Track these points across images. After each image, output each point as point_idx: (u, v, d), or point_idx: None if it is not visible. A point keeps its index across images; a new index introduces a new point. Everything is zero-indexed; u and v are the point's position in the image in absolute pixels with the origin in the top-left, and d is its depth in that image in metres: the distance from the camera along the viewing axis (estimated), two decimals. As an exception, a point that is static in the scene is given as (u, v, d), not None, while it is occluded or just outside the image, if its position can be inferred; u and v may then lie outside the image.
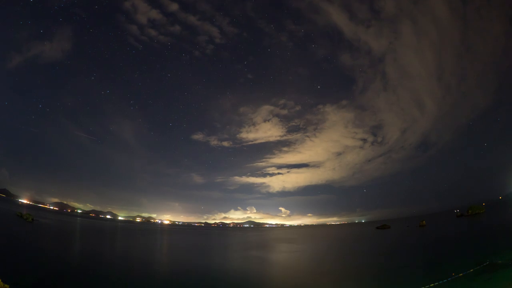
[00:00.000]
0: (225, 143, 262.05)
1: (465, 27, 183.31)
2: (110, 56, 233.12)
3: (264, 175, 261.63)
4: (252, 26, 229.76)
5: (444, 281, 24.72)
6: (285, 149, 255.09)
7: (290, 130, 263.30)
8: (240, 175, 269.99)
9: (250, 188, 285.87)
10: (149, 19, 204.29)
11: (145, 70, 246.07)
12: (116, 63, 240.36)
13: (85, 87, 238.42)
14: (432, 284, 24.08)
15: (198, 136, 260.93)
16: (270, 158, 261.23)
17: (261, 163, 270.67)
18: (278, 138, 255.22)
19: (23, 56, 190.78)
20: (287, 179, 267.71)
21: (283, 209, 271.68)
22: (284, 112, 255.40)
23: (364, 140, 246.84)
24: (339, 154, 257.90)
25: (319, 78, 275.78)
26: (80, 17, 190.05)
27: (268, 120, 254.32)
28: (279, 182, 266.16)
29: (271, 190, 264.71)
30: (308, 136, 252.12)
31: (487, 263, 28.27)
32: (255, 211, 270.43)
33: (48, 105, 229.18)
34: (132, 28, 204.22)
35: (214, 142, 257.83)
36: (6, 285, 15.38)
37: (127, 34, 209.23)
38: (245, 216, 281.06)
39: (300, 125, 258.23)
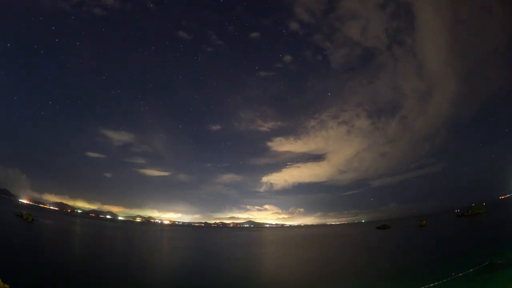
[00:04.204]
0: (226, 140, 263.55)
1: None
2: (120, 56, 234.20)
3: (264, 173, 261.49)
4: None
5: (444, 281, 24.72)
6: (286, 139, 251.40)
7: (290, 114, 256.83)
8: (238, 174, 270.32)
9: (249, 187, 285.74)
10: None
11: (156, 72, 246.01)
12: (126, 63, 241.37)
13: (95, 86, 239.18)
14: (432, 284, 24.07)
15: (199, 136, 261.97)
16: (270, 154, 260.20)
17: (260, 161, 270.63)
18: (276, 126, 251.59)
19: (31, 52, 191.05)
20: (286, 178, 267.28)
21: (284, 209, 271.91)
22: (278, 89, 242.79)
23: (373, 123, 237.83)
24: (341, 146, 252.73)
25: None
26: (92, 15, 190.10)
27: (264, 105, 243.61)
28: (278, 180, 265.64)
29: (270, 189, 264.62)
30: (311, 120, 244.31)
31: (487, 263, 28.26)
32: (254, 210, 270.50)
33: (58, 102, 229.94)
34: (145, 28, 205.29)
35: (215, 140, 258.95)
36: (6, 285, 15.38)
37: (140, 34, 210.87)
38: (245, 216, 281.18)
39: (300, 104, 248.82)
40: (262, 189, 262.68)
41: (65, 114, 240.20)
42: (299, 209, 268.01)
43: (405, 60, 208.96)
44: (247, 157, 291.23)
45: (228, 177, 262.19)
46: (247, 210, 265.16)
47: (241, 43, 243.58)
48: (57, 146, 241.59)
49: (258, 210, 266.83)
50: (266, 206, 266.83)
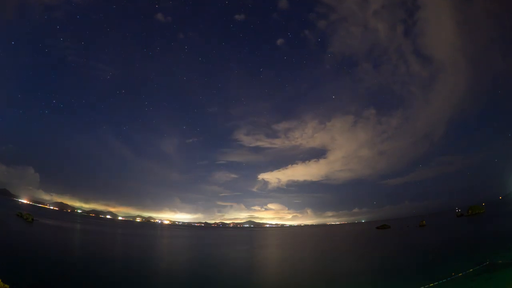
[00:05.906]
0: (225, 138, 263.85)
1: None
2: (126, 56, 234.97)
3: (263, 172, 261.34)
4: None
5: (444, 281, 24.70)
6: (288, 136, 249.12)
7: (289, 110, 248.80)
8: (237, 173, 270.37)
9: (249, 187, 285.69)
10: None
11: (161, 72, 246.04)
12: (132, 63, 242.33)
13: (100, 86, 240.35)
14: (432, 284, 24.05)
15: (198, 138, 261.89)
16: (269, 152, 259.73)
17: (259, 160, 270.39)
18: (275, 123, 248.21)
19: (36, 51, 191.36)
20: (285, 177, 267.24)
21: (284, 208, 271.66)
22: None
23: (376, 116, 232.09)
24: (341, 142, 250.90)
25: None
26: (98, 16, 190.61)
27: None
28: (277, 180, 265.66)
29: (269, 188, 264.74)
30: (311, 114, 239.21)
31: (487, 263, 28.24)
32: (254, 210, 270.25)
33: (62, 101, 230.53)
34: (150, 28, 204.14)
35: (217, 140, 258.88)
36: (6, 285, 15.36)
37: (144, 35, 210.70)
38: (245, 215, 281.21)
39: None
40: (261, 189, 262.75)
41: (67, 113, 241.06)
42: (298, 209, 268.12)
43: (408, 43, 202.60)
44: (246, 156, 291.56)
45: (227, 176, 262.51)
46: (248, 210, 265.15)
47: (227, 29, 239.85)
48: (57, 145, 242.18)
49: (259, 210, 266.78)
50: (266, 206, 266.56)
